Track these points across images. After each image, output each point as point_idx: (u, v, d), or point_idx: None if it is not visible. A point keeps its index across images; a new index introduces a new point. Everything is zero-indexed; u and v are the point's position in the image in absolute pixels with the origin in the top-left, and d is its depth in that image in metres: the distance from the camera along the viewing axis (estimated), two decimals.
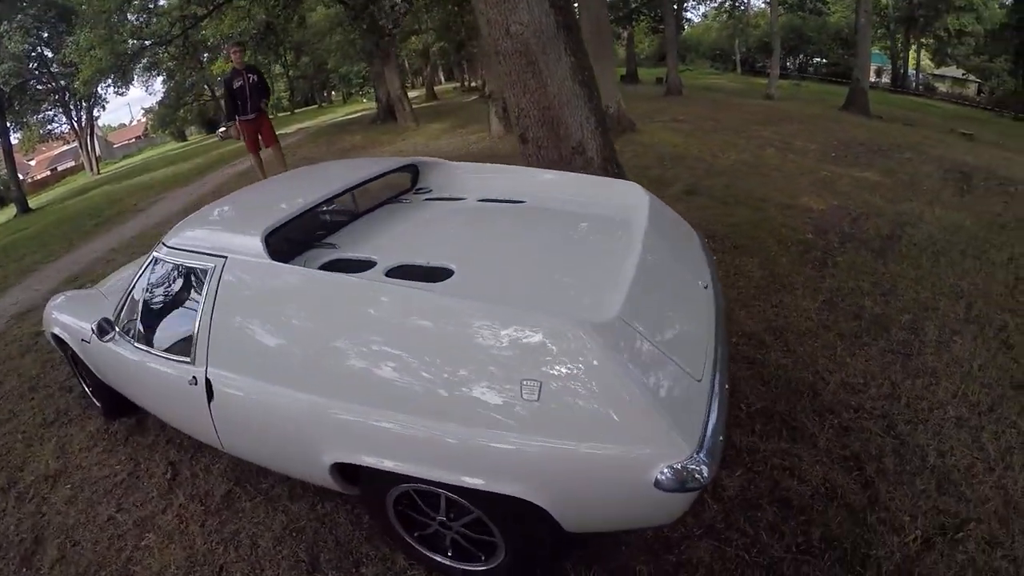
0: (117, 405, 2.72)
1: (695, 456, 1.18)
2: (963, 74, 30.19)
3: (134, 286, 2.21)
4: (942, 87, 31.43)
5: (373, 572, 1.81)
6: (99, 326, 2.12)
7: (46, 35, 20.56)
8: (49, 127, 25.80)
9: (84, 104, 24.26)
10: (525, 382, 1.25)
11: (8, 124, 18.18)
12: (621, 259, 1.64)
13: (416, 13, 17.18)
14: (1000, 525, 1.78)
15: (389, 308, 1.48)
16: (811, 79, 31.09)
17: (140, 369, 2.09)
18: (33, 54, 20.74)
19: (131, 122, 55.56)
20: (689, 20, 37.48)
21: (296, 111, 37.01)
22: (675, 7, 21.31)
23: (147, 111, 43.12)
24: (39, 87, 22.54)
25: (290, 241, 2.04)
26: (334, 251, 2.03)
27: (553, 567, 1.69)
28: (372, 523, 1.94)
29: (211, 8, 11.57)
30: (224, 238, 1.93)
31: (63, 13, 18.33)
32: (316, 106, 41.45)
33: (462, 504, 1.46)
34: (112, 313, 2.26)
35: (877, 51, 29.02)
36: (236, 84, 6.35)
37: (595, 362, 1.23)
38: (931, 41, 30.35)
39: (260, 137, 6.72)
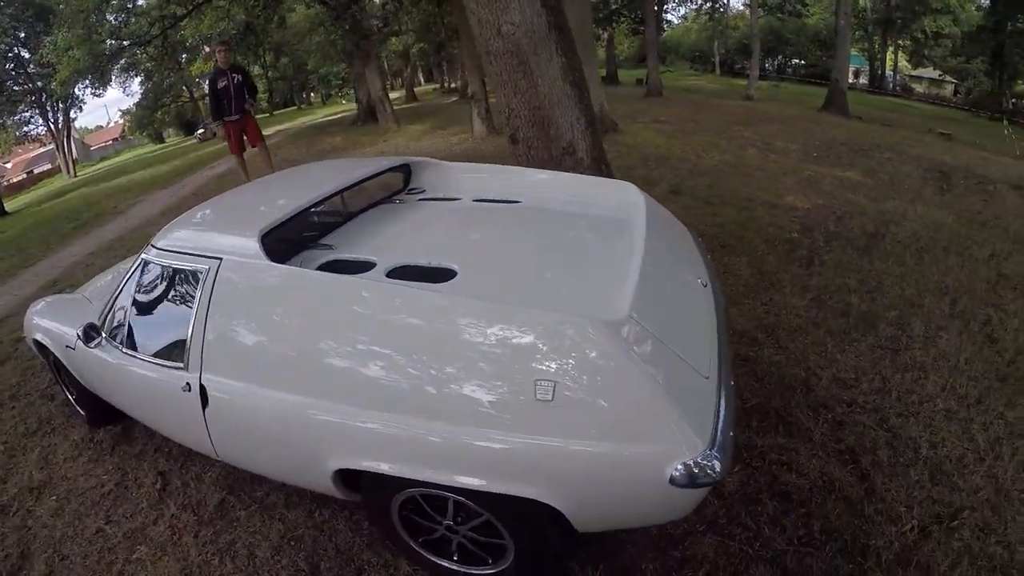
0: (102, 413, 2.64)
1: (708, 452, 1.18)
2: (940, 75, 30.78)
3: (121, 290, 2.14)
4: (919, 88, 32.10)
5: None
6: (85, 331, 2.06)
7: (23, 35, 20.16)
8: (25, 129, 25.20)
9: (61, 105, 23.69)
10: (539, 382, 1.23)
11: None
12: (624, 258, 1.64)
13: (396, 14, 17.10)
14: (993, 512, 1.83)
15: (395, 309, 1.45)
16: (790, 80, 31.63)
17: (129, 375, 2.03)
18: (10, 54, 20.33)
19: (108, 124, 54.34)
20: (669, 22, 38.00)
21: (275, 112, 36.54)
22: (656, 8, 21.50)
23: (124, 113, 42.20)
24: (15, 88, 22.02)
25: (285, 242, 2.00)
26: (331, 252, 1.99)
27: (560, 567, 1.67)
28: (373, 529, 1.90)
29: (190, 8, 11.39)
30: (218, 239, 1.87)
31: (41, 13, 17.98)
32: (295, 108, 41.02)
33: (471, 507, 1.45)
34: (98, 318, 2.19)
35: (855, 52, 29.57)
36: (220, 84, 6.24)
37: (609, 361, 1.22)
38: (908, 43, 30.98)
39: (245, 137, 6.60)
